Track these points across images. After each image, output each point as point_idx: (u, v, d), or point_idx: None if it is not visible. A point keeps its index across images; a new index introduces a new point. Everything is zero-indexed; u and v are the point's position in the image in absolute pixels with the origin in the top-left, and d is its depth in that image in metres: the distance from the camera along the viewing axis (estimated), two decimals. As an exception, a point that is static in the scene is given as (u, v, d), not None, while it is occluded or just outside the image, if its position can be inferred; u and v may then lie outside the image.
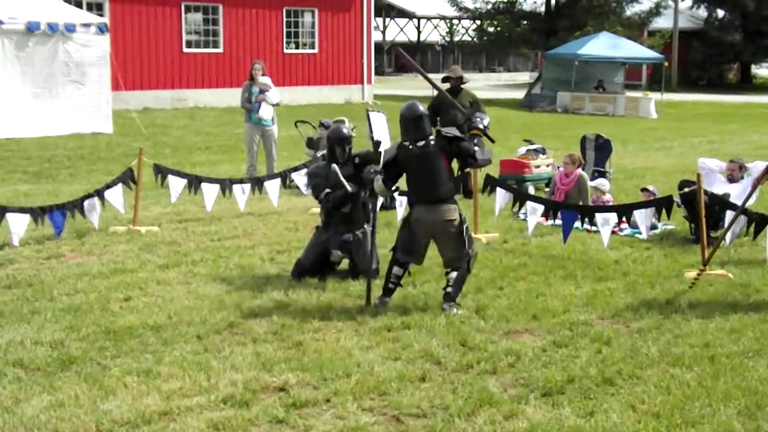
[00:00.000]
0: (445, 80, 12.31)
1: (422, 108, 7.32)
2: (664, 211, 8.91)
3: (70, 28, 19.25)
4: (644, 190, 10.90)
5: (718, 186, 10.03)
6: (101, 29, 19.91)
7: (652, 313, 7.07)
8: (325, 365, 5.82)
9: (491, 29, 41.60)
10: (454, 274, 7.18)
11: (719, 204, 8.95)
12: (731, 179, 10.22)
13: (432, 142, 7.18)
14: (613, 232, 9.00)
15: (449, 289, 7.13)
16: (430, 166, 7.13)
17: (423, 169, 7.15)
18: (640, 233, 9.41)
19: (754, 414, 5.15)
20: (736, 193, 9.55)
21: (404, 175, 7.37)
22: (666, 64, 33.55)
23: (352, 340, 6.35)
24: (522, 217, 10.55)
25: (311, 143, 13.71)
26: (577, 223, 9.20)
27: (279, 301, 7.25)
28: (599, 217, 8.93)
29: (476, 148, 7.29)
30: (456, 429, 4.97)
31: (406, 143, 7.24)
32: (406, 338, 6.40)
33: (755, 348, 6.27)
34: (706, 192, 8.70)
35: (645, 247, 9.35)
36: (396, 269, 7.29)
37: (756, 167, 9.73)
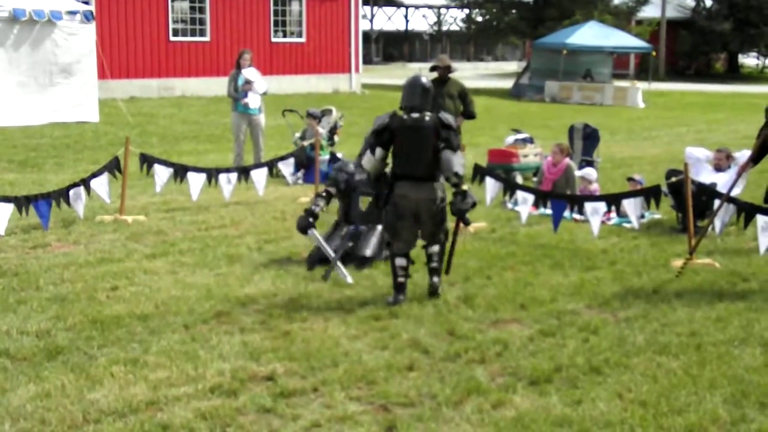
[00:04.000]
0: (432, 69, 12.25)
1: (429, 83, 7.16)
2: (652, 200, 8.93)
3: (56, 16, 19.10)
4: (630, 179, 10.90)
5: (705, 175, 10.04)
6: (87, 17, 19.77)
7: (639, 302, 7.09)
8: (313, 355, 5.82)
9: (479, 18, 41.64)
10: (436, 248, 7.12)
11: (706, 193, 8.97)
12: (718, 168, 10.23)
13: (427, 118, 7.02)
14: (601, 222, 9.00)
15: (434, 264, 7.11)
16: (420, 140, 6.96)
17: (413, 141, 6.97)
18: (628, 222, 9.43)
19: (740, 402, 5.18)
20: (723, 182, 9.55)
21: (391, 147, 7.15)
22: (654, 53, 33.63)
23: (339, 330, 6.35)
24: (510, 206, 10.54)
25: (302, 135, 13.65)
26: (566, 213, 9.20)
27: (266, 291, 7.24)
28: (588, 206, 8.93)
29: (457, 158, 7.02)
30: (444, 418, 4.98)
31: (401, 113, 7.08)
32: (393, 327, 6.40)
33: (741, 336, 6.31)
34: (693, 181, 8.71)
35: (632, 237, 9.38)
36: (399, 260, 7.07)
37: (743, 156, 9.73)
